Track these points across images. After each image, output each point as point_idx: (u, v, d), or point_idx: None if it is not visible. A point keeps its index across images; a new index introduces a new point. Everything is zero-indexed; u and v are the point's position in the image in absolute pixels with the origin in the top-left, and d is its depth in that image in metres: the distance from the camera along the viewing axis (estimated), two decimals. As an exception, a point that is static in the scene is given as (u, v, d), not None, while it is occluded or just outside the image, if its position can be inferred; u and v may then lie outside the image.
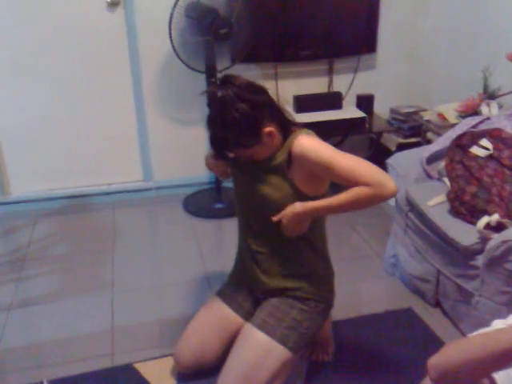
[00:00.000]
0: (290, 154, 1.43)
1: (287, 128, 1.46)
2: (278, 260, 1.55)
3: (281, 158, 1.44)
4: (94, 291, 2.21)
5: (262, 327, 1.50)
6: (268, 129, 1.39)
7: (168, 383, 1.69)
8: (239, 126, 1.35)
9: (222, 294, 1.69)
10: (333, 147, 1.41)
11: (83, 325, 2.01)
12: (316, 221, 1.49)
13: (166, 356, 1.79)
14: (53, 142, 2.92)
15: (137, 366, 1.78)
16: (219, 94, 1.35)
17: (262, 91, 1.42)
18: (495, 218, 1.76)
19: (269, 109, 1.41)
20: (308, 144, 1.39)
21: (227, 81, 1.39)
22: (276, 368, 1.46)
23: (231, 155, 1.43)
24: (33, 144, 2.90)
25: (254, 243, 1.58)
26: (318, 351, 1.79)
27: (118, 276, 2.32)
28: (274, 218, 1.43)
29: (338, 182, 1.39)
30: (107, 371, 1.77)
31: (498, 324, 1.04)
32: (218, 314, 1.64)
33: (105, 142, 2.99)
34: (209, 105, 1.41)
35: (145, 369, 1.76)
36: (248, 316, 1.60)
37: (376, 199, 1.34)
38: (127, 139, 3.03)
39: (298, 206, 1.40)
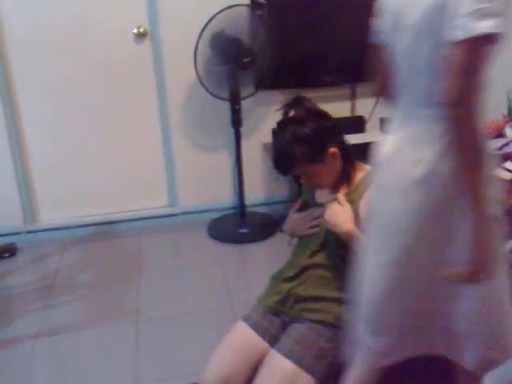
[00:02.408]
0: (364, 190, 1.48)
1: (349, 157, 1.54)
2: (322, 277, 1.54)
3: (356, 193, 1.51)
4: (119, 319, 2.22)
5: (288, 355, 1.46)
6: (332, 149, 1.49)
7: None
8: (308, 140, 1.46)
9: (248, 319, 1.66)
10: None
11: (108, 354, 2.01)
12: None
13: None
14: (81, 169, 2.99)
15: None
16: (293, 111, 1.50)
17: (329, 117, 1.55)
18: None
19: (334, 133, 1.53)
20: None
21: (299, 100, 1.51)
22: None
23: (297, 171, 1.51)
24: (61, 172, 2.98)
25: (310, 254, 1.57)
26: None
27: (143, 303, 2.32)
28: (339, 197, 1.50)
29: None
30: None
31: None
32: (244, 340, 1.61)
33: (131, 169, 3.04)
34: (280, 123, 1.52)
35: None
36: (274, 341, 1.57)
37: None
38: (153, 166, 3.08)
39: (351, 226, 1.45)
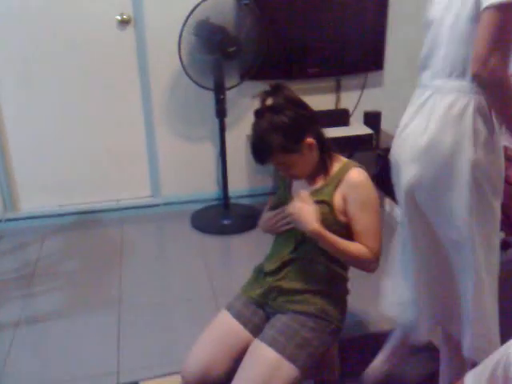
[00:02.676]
0: (339, 180, 1.50)
1: (326, 148, 1.53)
2: (305, 271, 1.55)
3: (331, 185, 1.51)
4: (101, 308, 2.21)
5: (271, 344, 1.47)
6: (310, 140, 1.47)
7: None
8: (285, 130, 1.43)
9: (231, 308, 1.67)
10: (377, 198, 1.50)
11: (90, 342, 2.01)
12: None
13: (172, 374, 1.77)
14: (62, 158, 2.95)
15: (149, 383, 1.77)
16: (271, 99, 1.46)
17: (308, 107, 1.53)
18: (501, 236, 1.75)
19: (311, 124, 1.50)
20: (366, 180, 1.49)
21: (278, 89, 1.49)
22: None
23: (274, 160, 1.49)
24: (42, 160, 2.93)
25: (291, 248, 1.58)
26: (324, 371, 1.77)
27: (125, 292, 2.32)
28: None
29: (349, 224, 1.49)
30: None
31: None
32: (226, 329, 1.62)
33: (114, 158, 3.02)
34: (258, 111, 1.49)
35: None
36: (257, 331, 1.58)
37: (363, 266, 1.51)
38: (136, 155, 3.05)
39: (317, 226, 1.42)
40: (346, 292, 1.63)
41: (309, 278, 1.54)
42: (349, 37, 2.97)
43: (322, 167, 1.53)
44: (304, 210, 1.43)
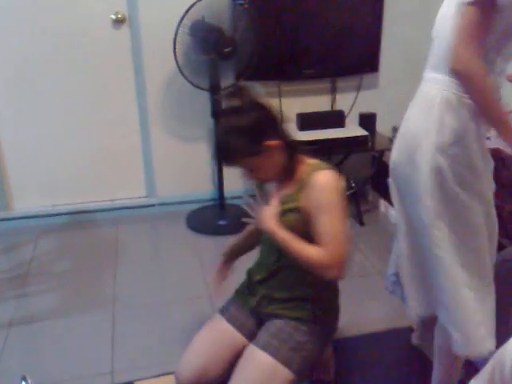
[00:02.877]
0: (306, 183, 1.45)
1: (292, 150, 1.48)
2: (292, 278, 1.54)
3: (299, 190, 1.46)
4: (95, 308, 2.20)
5: (265, 348, 1.47)
6: (272, 142, 1.43)
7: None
8: (246, 132, 1.40)
9: (225, 312, 1.67)
10: (342, 202, 1.44)
11: (84, 342, 2.00)
12: None
13: (167, 374, 1.77)
14: (56, 157, 2.94)
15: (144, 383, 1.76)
16: (230, 101, 1.44)
17: (270, 108, 1.48)
18: None
19: (274, 125, 1.46)
20: (331, 182, 1.43)
21: (239, 90, 1.46)
22: None
23: (239, 163, 1.46)
24: (36, 159, 2.92)
25: (275, 257, 1.58)
26: (319, 371, 1.77)
27: (119, 293, 2.31)
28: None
29: (310, 225, 1.43)
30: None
31: None
32: (221, 333, 1.62)
33: (108, 158, 3.01)
34: (218, 111, 1.45)
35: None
36: (251, 335, 1.58)
37: (320, 270, 1.42)
38: (131, 155, 3.05)
39: (272, 223, 1.45)
40: (335, 294, 1.62)
41: (297, 285, 1.53)
42: (344, 38, 2.98)
43: (289, 170, 1.49)
44: (263, 210, 1.47)
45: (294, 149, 1.50)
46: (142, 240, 2.86)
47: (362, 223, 2.96)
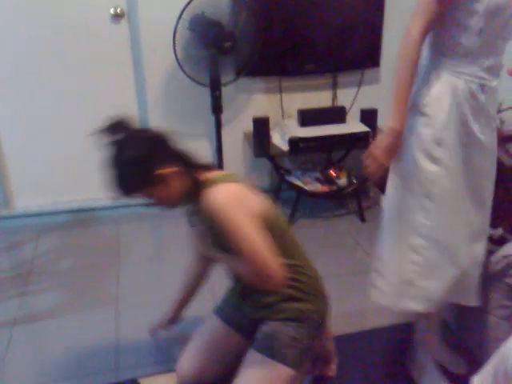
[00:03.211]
0: (202, 203, 1.43)
1: (193, 172, 1.45)
2: (263, 290, 1.53)
3: (202, 213, 1.45)
4: (98, 306, 2.20)
5: (261, 350, 1.50)
6: (163, 171, 1.39)
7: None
8: (132, 165, 1.38)
9: (221, 312, 1.70)
10: (243, 209, 1.39)
11: (88, 340, 2.00)
12: (277, 243, 1.45)
13: (170, 371, 1.77)
14: (57, 155, 2.92)
15: (141, 381, 1.77)
16: (113, 136, 1.42)
17: (158, 135, 1.44)
18: (499, 232, 1.76)
19: (163, 153, 1.42)
20: (218, 202, 1.37)
21: (120, 124, 1.44)
22: None
23: (136, 195, 1.44)
24: (37, 157, 2.91)
25: (236, 281, 1.65)
26: (321, 366, 1.77)
27: (122, 291, 2.30)
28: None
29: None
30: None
31: None
32: (218, 333, 1.65)
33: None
34: (103, 148, 1.45)
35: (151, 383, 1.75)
36: (247, 332, 1.61)
37: (259, 284, 1.43)
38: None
39: (211, 253, 1.55)
40: (313, 282, 1.59)
41: (271, 292, 1.51)
42: (345, 33, 2.96)
43: (193, 193, 1.45)
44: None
45: (195, 170, 1.46)
46: (144, 238, 2.85)
47: (363, 219, 2.95)
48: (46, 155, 2.91)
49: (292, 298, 1.52)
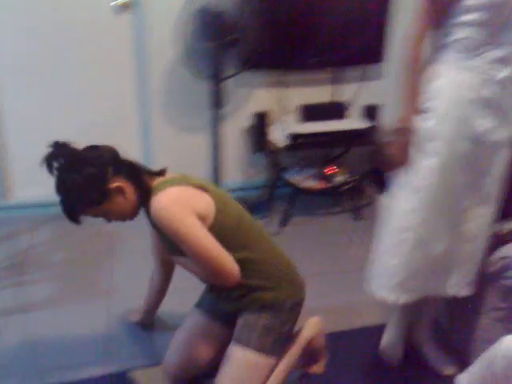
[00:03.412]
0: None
1: (140, 182, 1.48)
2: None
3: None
4: (91, 298, 2.20)
5: (238, 342, 1.53)
6: (115, 184, 1.43)
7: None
8: (81, 187, 1.41)
9: (202, 305, 1.74)
10: (186, 213, 1.40)
11: (79, 331, 2.00)
12: (225, 238, 1.46)
13: (159, 364, 1.76)
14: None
15: (131, 373, 1.78)
16: (55, 162, 1.46)
17: (101, 151, 1.50)
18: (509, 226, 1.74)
19: (113, 166, 1.46)
20: (160, 211, 1.39)
21: (61, 147, 1.51)
22: (262, 375, 1.52)
23: (86, 215, 1.48)
24: (35, 148, 2.87)
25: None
26: (311, 362, 1.77)
27: (115, 283, 2.30)
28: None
29: None
30: (102, 378, 1.77)
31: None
32: (200, 325, 1.69)
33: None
34: (51, 174, 1.48)
35: (139, 377, 1.76)
36: (228, 321, 1.64)
37: (215, 282, 1.51)
38: (130, 144, 3.01)
39: (176, 258, 1.57)
40: (276, 268, 1.58)
41: (235, 287, 1.50)
42: (349, 27, 2.92)
43: (142, 202, 1.49)
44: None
45: (144, 178, 1.49)
46: (139, 230, 2.83)
47: (358, 218, 2.92)
48: (44, 146, 2.88)
49: (259, 288, 1.53)
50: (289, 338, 1.62)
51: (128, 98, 2.92)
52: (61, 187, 1.44)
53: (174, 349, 1.67)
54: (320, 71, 3.04)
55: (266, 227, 2.80)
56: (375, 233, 1.72)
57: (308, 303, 1.92)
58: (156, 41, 2.78)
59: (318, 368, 1.77)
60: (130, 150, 2.96)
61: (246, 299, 1.54)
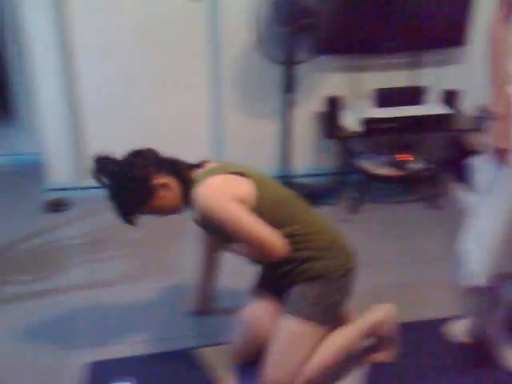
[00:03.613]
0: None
1: (181, 175, 1.59)
2: (278, 264, 1.60)
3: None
4: (163, 276, 2.26)
5: (289, 311, 1.58)
6: (158, 181, 1.55)
7: (229, 369, 1.72)
8: (128, 190, 1.54)
9: (257, 285, 1.76)
10: (229, 199, 1.49)
11: (151, 308, 2.06)
12: (264, 215, 1.53)
13: (226, 343, 1.79)
14: (131, 129, 3.00)
15: (201, 350, 1.81)
16: (103, 176, 1.57)
17: (140, 154, 1.60)
18: None
19: (154, 165, 1.57)
20: (204, 201, 1.49)
21: (103, 161, 1.59)
22: (312, 343, 1.56)
23: (141, 214, 1.60)
24: (114, 130, 3.00)
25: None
26: (380, 350, 1.75)
27: (184, 265, 2.34)
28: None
29: None
30: (172, 354, 1.81)
31: None
32: (260, 303, 1.70)
33: (179, 131, 3.02)
34: (103, 185, 1.59)
35: (208, 354, 1.79)
36: (282, 296, 1.65)
37: (266, 259, 1.56)
38: (200, 128, 3.05)
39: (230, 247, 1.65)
40: (323, 239, 1.62)
41: (285, 262, 1.56)
42: (430, 8, 2.77)
43: (187, 195, 1.57)
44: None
45: (185, 171, 1.59)
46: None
47: (435, 207, 2.79)
48: (123, 131, 2.99)
49: (308, 259, 1.58)
50: (336, 307, 1.64)
51: (201, 81, 2.93)
52: (112, 195, 1.56)
53: (240, 328, 1.70)
54: (397, 55, 2.92)
55: (335, 214, 2.76)
56: (460, 221, 1.67)
57: (377, 292, 1.86)
58: (230, 25, 2.78)
59: (386, 356, 1.74)
60: (200, 135, 3.06)
61: (298, 271, 1.58)
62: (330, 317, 1.61)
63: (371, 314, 1.70)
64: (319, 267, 1.58)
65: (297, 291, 1.60)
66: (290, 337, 1.56)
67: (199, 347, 1.82)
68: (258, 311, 1.68)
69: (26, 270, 2.34)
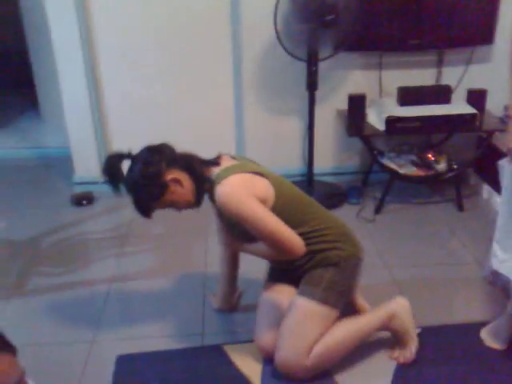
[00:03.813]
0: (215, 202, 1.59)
1: (195, 171, 1.61)
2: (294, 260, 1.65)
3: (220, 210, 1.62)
4: (188, 271, 2.29)
5: (302, 293, 1.65)
6: (171, 176, 1.57)
7: (254, 367, 1.72)
8: (142, 186, 1.56)
9: (271, 278, 1.84)
10: (251, 198, 1.52)
11: (176, 303, 2.09)
12: (282, 211, 1.58)
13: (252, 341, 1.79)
14: (153, 126, 3.01)
15: (226, 347, 1.81)
16: (118, 173, 1.60)
17: (154, 149, 1.61)
18: None
19: (166, 161, 1.59)
20: (226, 197, 1.52)
21: (117, 159, 1.60)
22: (324, 324, 1.62)
23: (156, 208, 1.62)
24: (137, 126, 3.03)
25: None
26: (398, 348, 1.75)
27: (208, 260, 2.37)
28: None
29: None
30: (196, 350, 1.82)
31: None
32: (279, 294, 1.76)
33: (200, 128, 3.03)
34: (122, 182, 1.62)
35: (233, 351, 1.79)
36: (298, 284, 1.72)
37: (284, 258, 1.59)
38: (222, 126, 3.05)
39: (236, 245, 1.74)
40: (336, 233, 1.70)
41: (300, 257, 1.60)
42: (455, 5, 2.73)
43: (200, 190, 1.62)
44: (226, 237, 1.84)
45: (201, 168, 1.62)
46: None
47: (461, 209, 2.76)
48: (146, 129, 3.00)
49: (322, 250, 1.65)
50: (349, 292, 1.73)
51: (223, 77, 2.93)
52: (129, 191, 1.60)
53: (262, 323, 1.74)
54: (422, 53, 2.89)
55: (358, 214, 2.75)
56: (486, 223, 1.67)
57: (401, 293, 1.85)
58: (253, 21, 2.77)
59: (401, 355, 1.72)
60: (223, 131, 3.06)
61: (312, 261, 1.66)
62: (342, 302, 1.68)
63: (384, 305, 1.73)
64: (333, 256, 1.66)
65: (310, 275, 1.67)
66: (302, 318, 1.62)
67: (224, 344, 1.83)
68: (277, 292, 1.76)
69: (53, 262, 2.40)
